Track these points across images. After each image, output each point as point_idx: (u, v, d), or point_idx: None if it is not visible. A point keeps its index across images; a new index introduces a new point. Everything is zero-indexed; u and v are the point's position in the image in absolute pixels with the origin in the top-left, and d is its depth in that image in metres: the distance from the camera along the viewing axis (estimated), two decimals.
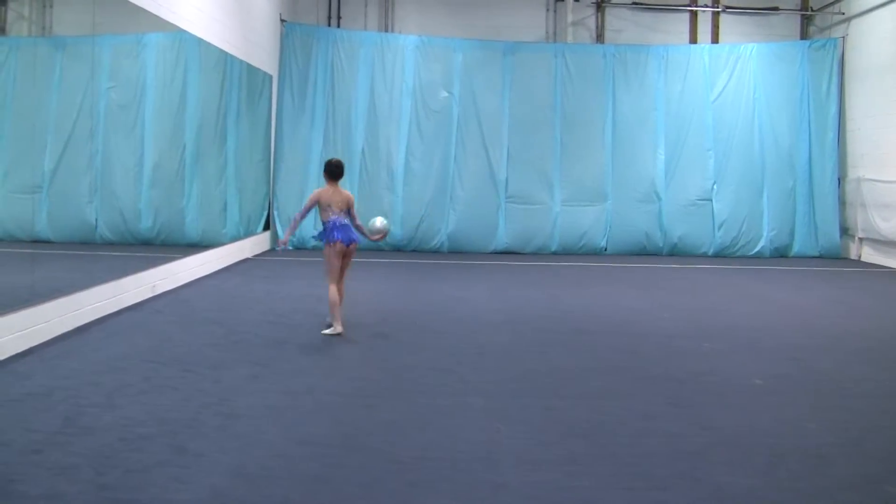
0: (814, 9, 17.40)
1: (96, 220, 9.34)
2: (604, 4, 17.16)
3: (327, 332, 7.90)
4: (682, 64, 16.40)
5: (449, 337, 8.06)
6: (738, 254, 16.18)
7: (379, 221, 8.16)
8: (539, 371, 6.74)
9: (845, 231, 16.43)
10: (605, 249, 16.18)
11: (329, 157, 8.54)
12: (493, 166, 16.06)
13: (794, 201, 16.33)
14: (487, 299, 10.43)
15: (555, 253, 16.04)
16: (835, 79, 16.40)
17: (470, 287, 11.43)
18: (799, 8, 17.52)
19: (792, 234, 16.36)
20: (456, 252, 15.82)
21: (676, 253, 16.15)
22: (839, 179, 16.38)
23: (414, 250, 15.86)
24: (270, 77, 15.40)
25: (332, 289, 7.92)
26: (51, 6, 8.51)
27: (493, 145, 16.08)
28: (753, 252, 16.19)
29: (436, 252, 15.83)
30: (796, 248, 16.34)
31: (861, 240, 15.99)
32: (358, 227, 8.09)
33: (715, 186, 16.19)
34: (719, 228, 16.16)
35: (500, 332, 8.32)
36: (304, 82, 15.95)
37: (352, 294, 9.73)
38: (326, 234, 7.93)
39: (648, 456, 4.76)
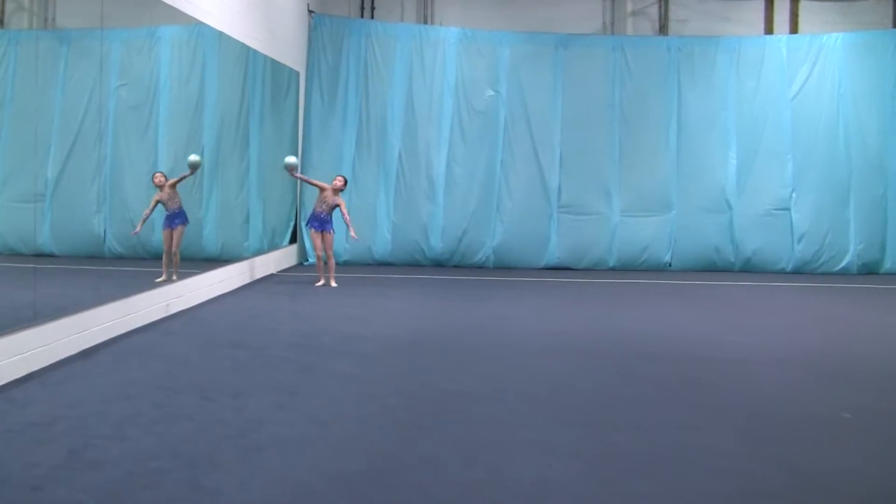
0: None
1: (105, 231, 9.45)
2: None
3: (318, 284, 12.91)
4: (756, 58, 16.25)
5: (494, 361, 8.02)
6: (821, 270, 15.97)
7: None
8: (595, 400, 6.67)
9: None
10: (670, 265, 16.08)
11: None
12: (543, 172, 16.03)
13: (884, 211, 16.11)
14: (537, 320, 10.39)
15: (613, 268, 15.98)
16: None
17: (518, 306, 11.39)
18: None
19: (882, 248, 16.13)
20: (502, 268, 15.82)
21: (750, 269, 16.01)
22: None
23: (456, 265, 15.89)
24: (297, 74, 15.53)
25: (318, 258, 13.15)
26: None
27: (544, 149, 16.05)
28: (838, 268, 15.98)
29: (480, 268, 15.84)
30: (888, 265, 16.12)
31: None
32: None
33: (794, 194, 16.01)
34: (799, 241, 15.97)
35: (551, 357, 8.26)
36: (335, 80, 16.06)
37: (388, 313, 10.01)
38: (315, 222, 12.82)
39: (718, 497, 4.66)
